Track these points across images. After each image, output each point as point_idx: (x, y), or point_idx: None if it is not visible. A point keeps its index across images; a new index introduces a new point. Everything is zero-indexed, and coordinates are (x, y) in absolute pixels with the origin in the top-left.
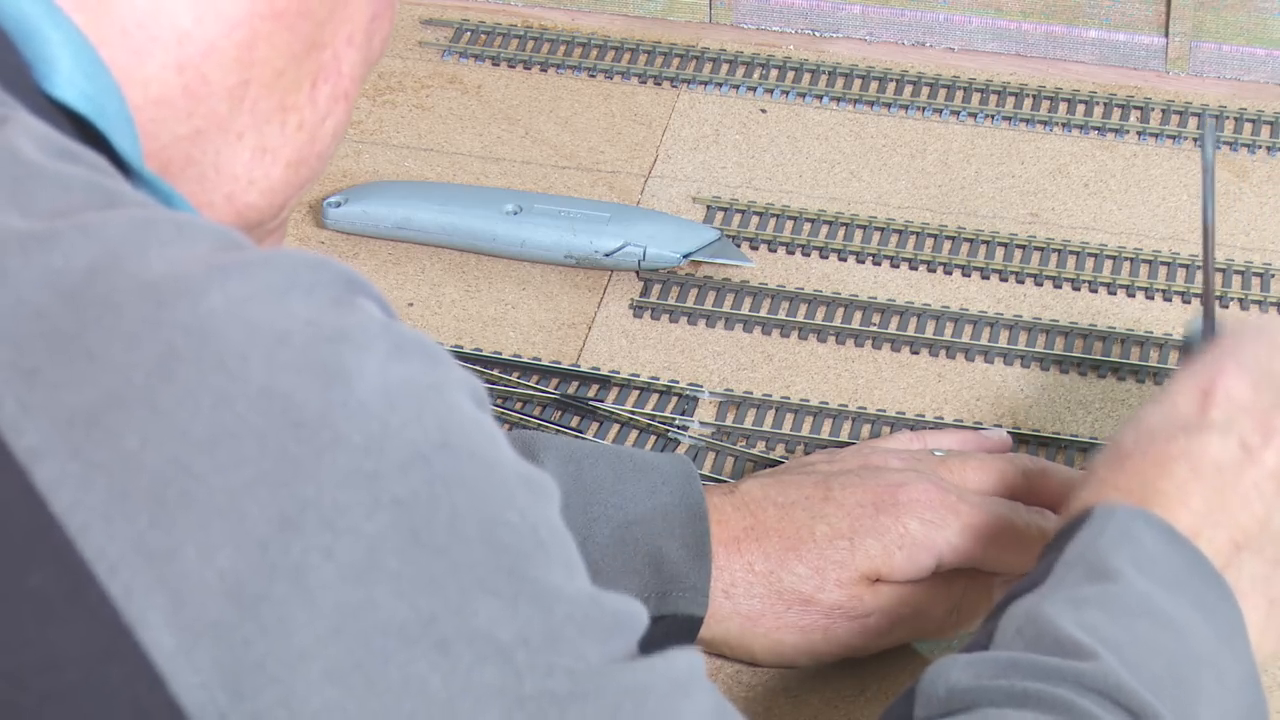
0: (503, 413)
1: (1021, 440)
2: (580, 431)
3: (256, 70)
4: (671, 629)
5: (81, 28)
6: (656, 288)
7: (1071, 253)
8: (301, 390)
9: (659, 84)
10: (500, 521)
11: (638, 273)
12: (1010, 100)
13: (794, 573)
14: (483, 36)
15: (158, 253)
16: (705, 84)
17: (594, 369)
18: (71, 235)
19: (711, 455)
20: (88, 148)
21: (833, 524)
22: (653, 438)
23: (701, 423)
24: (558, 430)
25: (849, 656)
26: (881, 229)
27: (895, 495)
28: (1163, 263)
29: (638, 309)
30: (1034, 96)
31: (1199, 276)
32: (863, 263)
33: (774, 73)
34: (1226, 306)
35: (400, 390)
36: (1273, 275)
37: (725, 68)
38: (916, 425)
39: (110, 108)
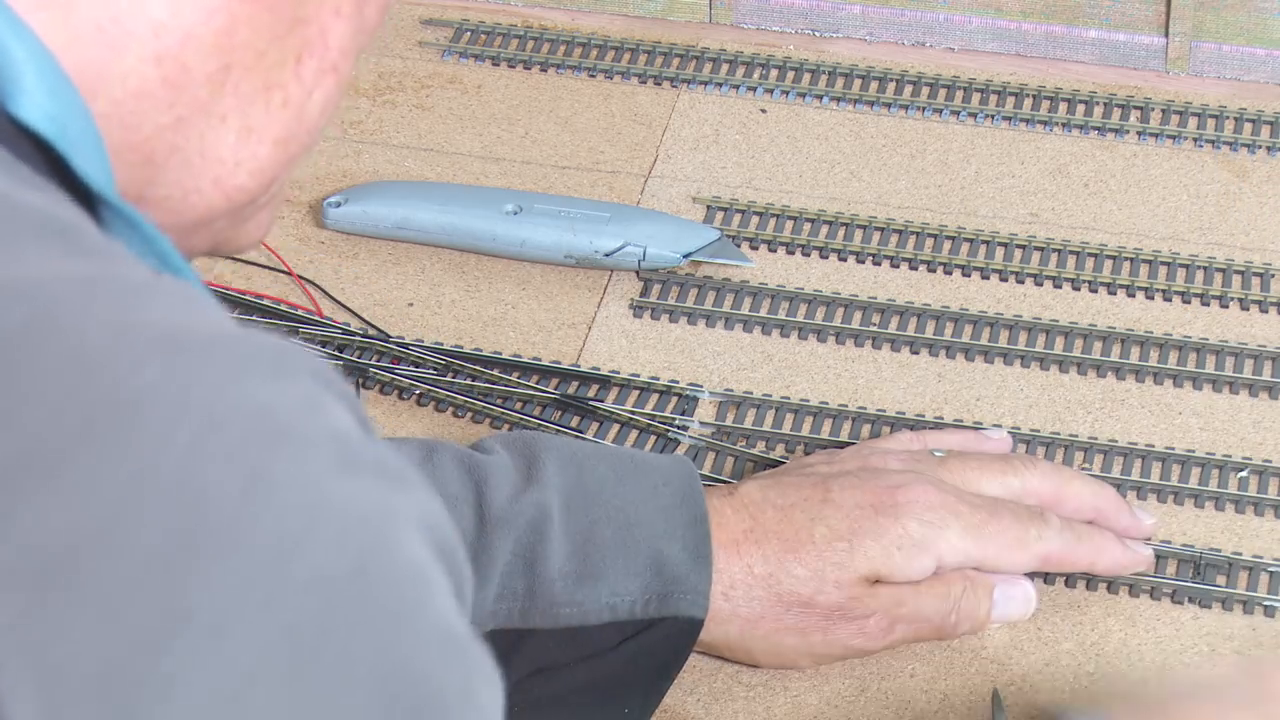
0: (503, 413)
1: (1021, 440)
2: (580, 431)
3: (237, 54)
4: (672, 632)
5: (52, 27)
6: (656, 288)
7: (1071, 253)
8: (218, 486)
9: (659, 84)
10: (398, 672)
11: (638, 273)
12: (1010, 100)
13: (793, 575)
14: (483, 36)
15: (99, 316)
16: (705, 84)
17: (594, 369)
18: (4, 292)
19: (711, 455)
20: (47, 176)
21: (832, 526)
22: (653, 438)
23: (701, 423)
24: (558, 430)
25: (850, 658)
26: (881, 229)
27: (894, 496)
28: (1163, 263)
29: (638, 309)
30: (1034, 96)
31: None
32: (863, 263)
33: (774, 73)
34: (1227, 307)
35: (329, 508)
36: (1273, 275)
37: (725, 68)
38: (916, 425)
39: (73, 127)
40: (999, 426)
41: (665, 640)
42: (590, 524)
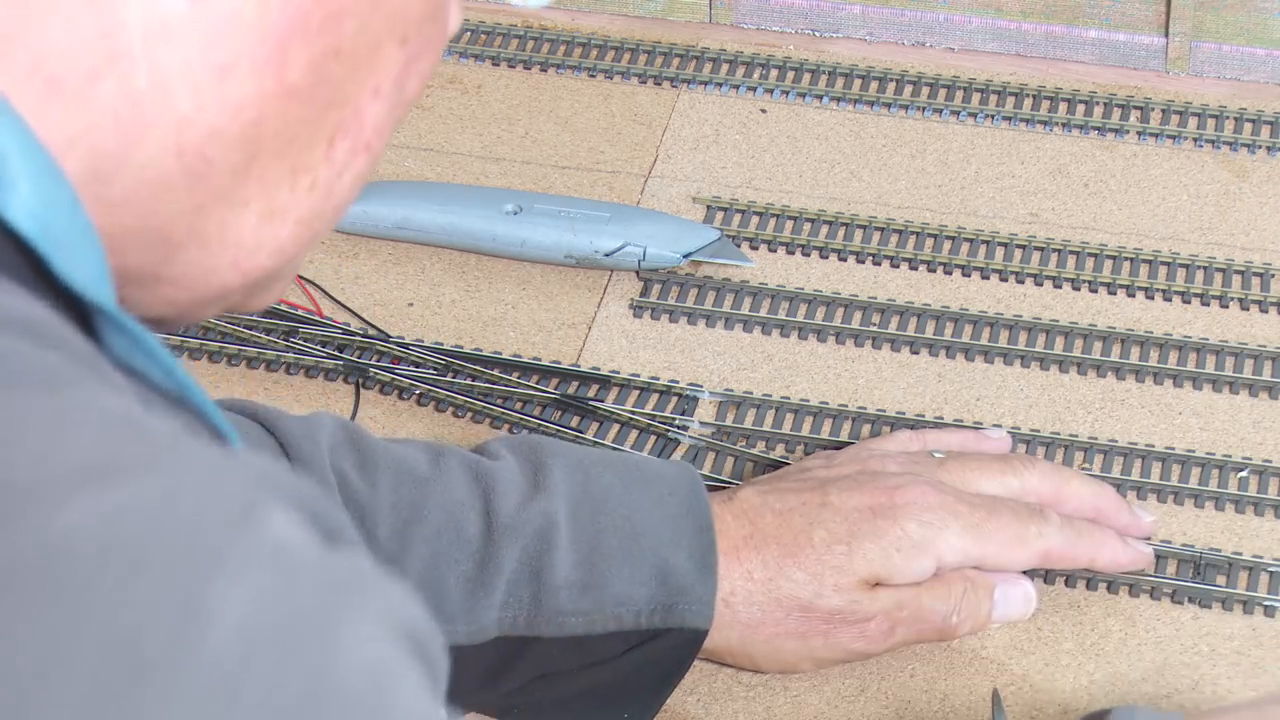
0: (503, 413)
1: (1021, 440)
2: (580, 431)
3: (264, 143)
4: (677, 642)
5: (64, 117)
6: (656, 288)
7: (1071, 253)
8: (148, 628)
9: (659, 84)
10: None
11: (638, 273)
12: (1010, 100)
13: (792, 579)
14: (483, 36)
15: (23, 452)
16: (705, 84)
17: (594, 369)
18: None
19: (711, 455)
20: (29, 276)
21: (830, 529)
22: (653, 438)
23: (701, 423)
24: (558, 430)
25: (851, 661)
26: (881, 229)
27: (893, 498)
28: (1163, 263)
29: (638, 309)
30: (1034, 96)
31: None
32: (863, 263)
33: (774, 73)
34: (1227, 307)
35: (269, 630)
36: (1273, 275)
37: (725, 68)
38: (916, 425)
39: (58, 225)
40: (999, 426)
41: (669, 650)
42: (597, 533)
